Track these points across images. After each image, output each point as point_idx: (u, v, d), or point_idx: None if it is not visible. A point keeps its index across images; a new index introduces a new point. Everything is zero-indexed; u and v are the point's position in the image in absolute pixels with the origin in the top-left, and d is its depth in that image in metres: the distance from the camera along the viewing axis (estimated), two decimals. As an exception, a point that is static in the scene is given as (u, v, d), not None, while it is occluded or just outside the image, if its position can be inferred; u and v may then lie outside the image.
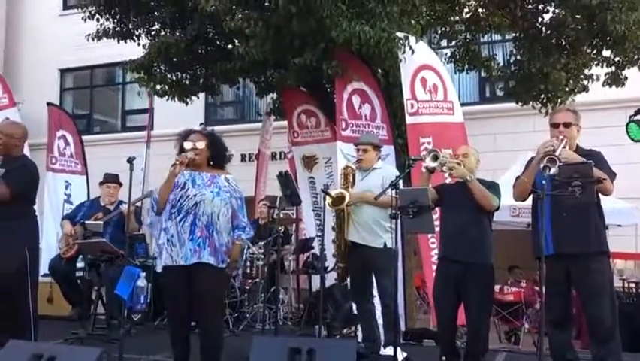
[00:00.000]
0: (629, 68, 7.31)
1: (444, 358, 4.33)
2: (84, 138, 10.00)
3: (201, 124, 4.50)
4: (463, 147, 4.73)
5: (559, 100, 7.45)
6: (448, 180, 4.76)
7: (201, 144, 3.96)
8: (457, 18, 8.08)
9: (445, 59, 8.26)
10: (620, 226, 7.58)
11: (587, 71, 7.43)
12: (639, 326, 5.92)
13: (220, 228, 3.89)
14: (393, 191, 4.21)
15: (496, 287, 7.92)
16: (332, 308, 6.33)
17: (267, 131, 9.77)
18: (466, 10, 7.99)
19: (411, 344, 5.66)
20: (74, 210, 6.54)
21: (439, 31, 8.39)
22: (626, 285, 6.95)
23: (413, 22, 6.55)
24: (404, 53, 5.95)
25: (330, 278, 5.94)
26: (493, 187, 4.27)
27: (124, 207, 5.92)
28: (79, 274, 6.10)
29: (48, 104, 9.26)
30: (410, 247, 6.70)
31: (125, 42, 7.85)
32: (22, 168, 4.42)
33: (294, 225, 8.14)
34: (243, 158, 11.76)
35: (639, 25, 6.28)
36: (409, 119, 6.13)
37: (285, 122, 9.24)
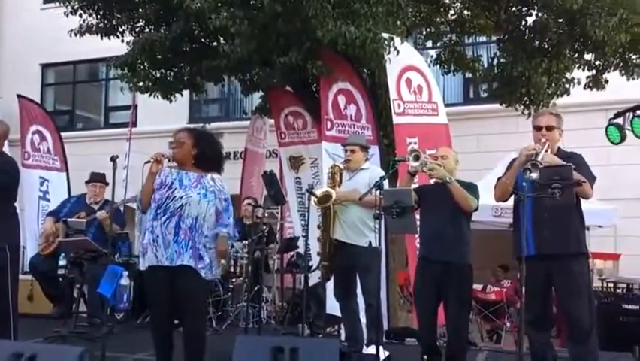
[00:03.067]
0: (609, 72, 7.41)
1: (425, 357, 4.37)
2: (66, 134, 9.89)
3: (203, 126, 4.51)
4: (442, 148, 4.78)
5: (541, 103, 7.53)
6: (432, 181, 4.80)
7: (181, 140, 3.94)
8: (443, 19, 8.13)
9: (431, 61, 8.32)
10: (600, 226, 7.71)
11: (568, 75, 7.51)
12: (617, 325, 6.02)
13: (204, 230, 3.89)
14: (378, 191, 4.24)
15: (479, 287, 8.01)
16: (315, 307, 6.36)
17: (258, 129, 9.71)
18: (452, 12, 8.04)
19: (393, 343, 5.69)
20: (59, 206, 6.46)
21: (425, 33, 8.43)
22: (605, 285, 7.07)
23: (399, 22, 6.58)
24: (389, 53, 5.98)
25: (315, 277, 5.96)
26: (471, 188, 4.32)
27: (99, 214, 5.91)
28: (60, 271, 6.04)
29: (19, 96, 8.80)
30: (395, 246, 6.74)
31: (109, 38, 7.79)
32: (1, 165, 4.37)
33: (278, 224, 8.15)
34: (227, 156, 11.67)
35: (618, 30, 6.36)
36: (396, 119, 6.17)
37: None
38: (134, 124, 12.29)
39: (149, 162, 3.90)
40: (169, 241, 3.80)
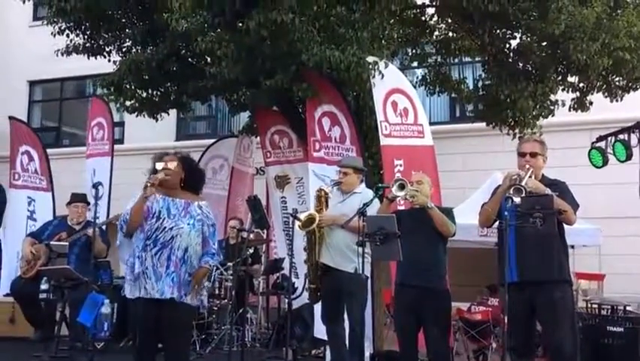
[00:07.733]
0: (592, 93, 7.49)
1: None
2: (53, 150, 9.84)
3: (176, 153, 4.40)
4: (416, 173, 4.81)
5: (526, 125, 7.59)
6: (402, 207, 4.82)
7: (173, 164, 3.90)
8: (429, 39, 8.19)
9: (417, 82, 8.36)
10: (585, 246, 7.74)
11: (552, 97, 7.57)
12: (601, 347, 6.03)
13: (191, 259, 3.85)
14: (362, 218, 4.24)
15: (464, 306, 8.00)
16: (301, 330, 6.33)
17: (244, 148, 9.69)
18: (437, 33, 8.10)
19: (378, 367, 5.68)
20: (41, 228, 6.39)
21: (410, 54, 8.48)
22: (589, 305, 7.07)
23: (384, 45, 6.60)
24: (374, 77, 6.01)
25: (300, 299, 5.93)
26: (449, 214, 4.37)
27: (90, 230, 5.83)
28: (42, 295, 5.95)
29: (10, 118, 9.07)
30: (379, 266, 6.72)
31: (95, 58, 7.79)
32: None
33: (264, 245, 8.11)
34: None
35: (601, 55, 6.42)
36: (383, 141, 6.18)
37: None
38: (121, 141, 12.31)
39: (146, 186, 3.74)
40: (161, 273, 3.74)
